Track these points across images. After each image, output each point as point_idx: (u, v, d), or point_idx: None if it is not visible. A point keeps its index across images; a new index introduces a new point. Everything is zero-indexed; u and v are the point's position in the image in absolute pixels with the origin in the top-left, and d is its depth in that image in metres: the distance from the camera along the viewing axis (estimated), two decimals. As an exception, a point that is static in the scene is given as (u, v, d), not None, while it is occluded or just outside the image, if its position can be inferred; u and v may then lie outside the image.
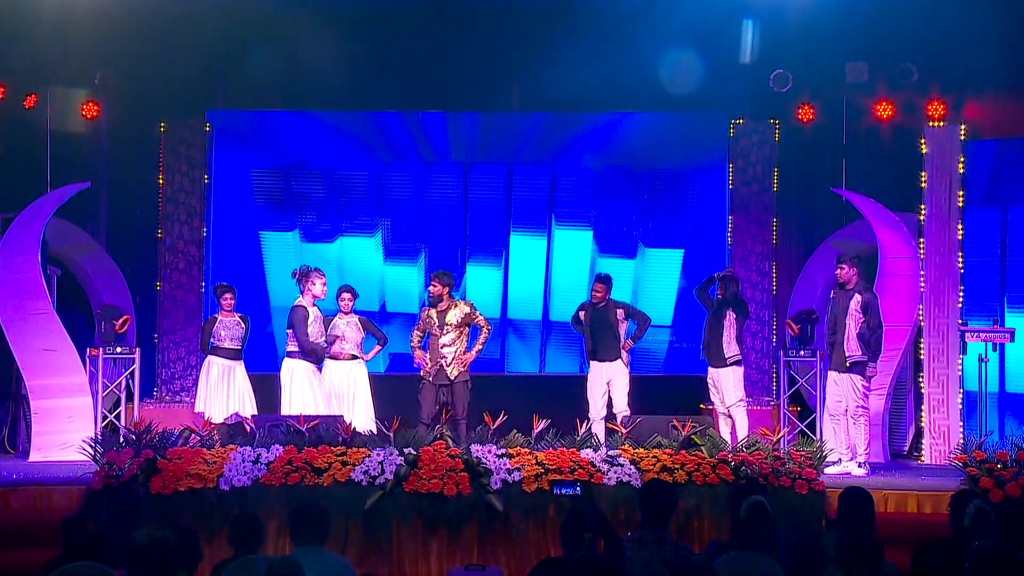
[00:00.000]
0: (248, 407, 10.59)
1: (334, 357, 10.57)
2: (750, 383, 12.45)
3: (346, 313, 10.65)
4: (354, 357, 10.61)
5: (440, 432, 8.79)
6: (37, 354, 11.03)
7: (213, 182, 12.87)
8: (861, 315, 9.88)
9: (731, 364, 10.51)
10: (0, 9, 11.58)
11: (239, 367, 10.73)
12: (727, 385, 10.52)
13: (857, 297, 9.93)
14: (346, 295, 10.66)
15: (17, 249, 11.09)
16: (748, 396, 12.31)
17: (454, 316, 10.24)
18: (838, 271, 10.11)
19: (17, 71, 12.05)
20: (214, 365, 10.69)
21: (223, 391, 10.60)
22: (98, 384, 11.24)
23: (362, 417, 10.20)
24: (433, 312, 10.30)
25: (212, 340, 10.69)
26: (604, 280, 10.79)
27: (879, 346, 9.96)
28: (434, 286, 10.33)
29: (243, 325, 10.79)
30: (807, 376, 11.53)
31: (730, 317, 10.50)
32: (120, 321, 11.65)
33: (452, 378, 10.19)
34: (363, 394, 10.59)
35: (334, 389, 10.53)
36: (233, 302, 10.84)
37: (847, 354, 9.94)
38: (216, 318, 10.79)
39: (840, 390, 10.05)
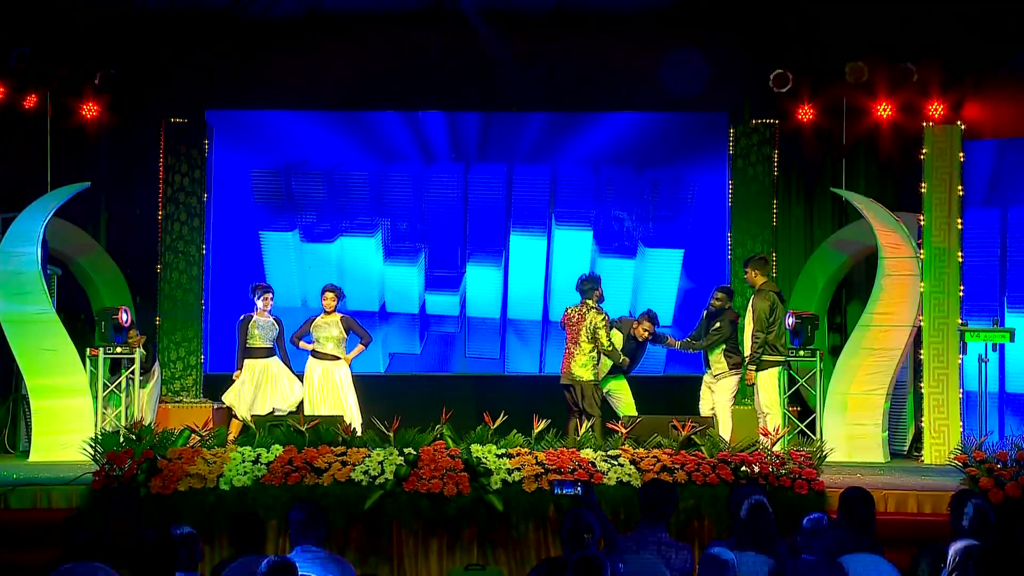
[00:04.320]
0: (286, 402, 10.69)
1: (316, 356, 10.73)
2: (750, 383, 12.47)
3: (328, 313, 10.73)
4: (335, 357, 10.69)
5: (440, 432, 8.80)
6: (37, 354, 11.02)
7: (213, 182, 12.88)
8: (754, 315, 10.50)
9: None
10: (0, 9, 11.59)
11: (273, 362, 10.85)
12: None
13: (753, 299, 10.58)
14: (328, 294, 10.74)
15: (17, 249, 11.08)
16: (748, 397, 12.35)
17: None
18: (745, 276, 10.78)
19: (17, 71, 12.05)
20: (248, 365, 10.82)
21: (264, 388, 10.65)
22: (98, 384, 11.23)
23: (347, 417, 10.22)
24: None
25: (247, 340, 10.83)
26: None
27: (754, 349, 10.48)
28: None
29: (277, 327, 10.84)
30: (807, 376, 11.53)
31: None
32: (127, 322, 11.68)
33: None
34: (346, 393, 10.63)
35: (315, 388, 10.62)
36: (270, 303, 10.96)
37: (745, 353, 10.60)
38: (251, 317, 10.87)
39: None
